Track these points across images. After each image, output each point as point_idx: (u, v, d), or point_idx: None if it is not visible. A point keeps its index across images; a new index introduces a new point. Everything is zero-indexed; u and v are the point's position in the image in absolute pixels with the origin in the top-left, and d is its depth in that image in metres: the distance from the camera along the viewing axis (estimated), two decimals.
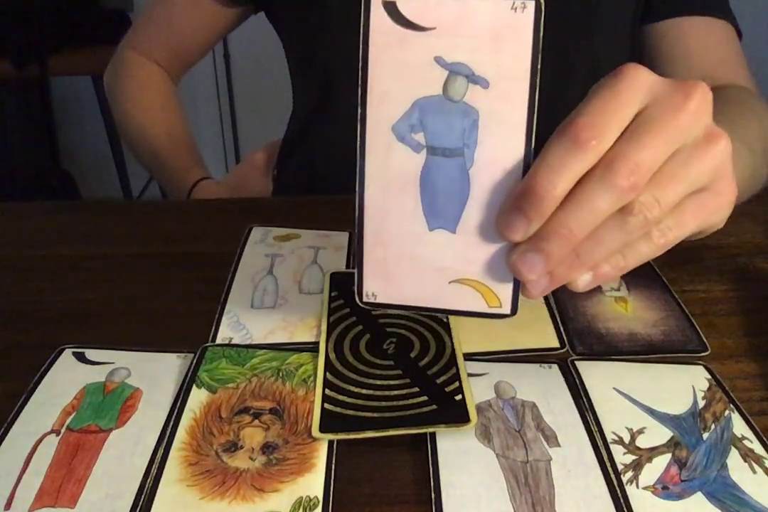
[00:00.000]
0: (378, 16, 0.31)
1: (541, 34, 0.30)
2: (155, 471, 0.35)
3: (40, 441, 0.36)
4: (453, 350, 0.42)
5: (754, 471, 0.36)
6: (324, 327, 0.45)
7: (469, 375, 0.41)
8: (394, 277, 0.35)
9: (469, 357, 0.42)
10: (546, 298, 0.49)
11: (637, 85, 0.31)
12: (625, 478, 0.35)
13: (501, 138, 0.32)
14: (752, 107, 0.59)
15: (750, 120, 0.55)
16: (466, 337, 0.44)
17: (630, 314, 0.48)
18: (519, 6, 0.30)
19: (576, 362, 0.43)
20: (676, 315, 0.47)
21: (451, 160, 0.32)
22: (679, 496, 0.34)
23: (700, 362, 0.43)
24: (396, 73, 0.32)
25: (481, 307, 0.35)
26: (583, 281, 0.33)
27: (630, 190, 0.30)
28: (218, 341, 0.44)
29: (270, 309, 0.47)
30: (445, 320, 0.45)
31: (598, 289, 0.50)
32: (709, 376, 0.42)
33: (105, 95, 0.87)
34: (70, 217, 0.60)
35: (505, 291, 0.34)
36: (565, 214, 0.31)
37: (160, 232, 0.57)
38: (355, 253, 0.35)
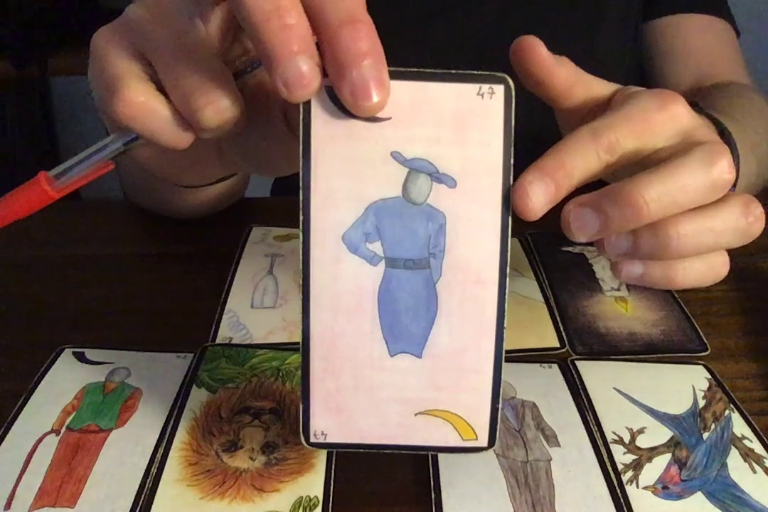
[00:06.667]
0: (320, 102, 0.26)
1: (513, 122, 0.26)
2: (155, 471, 0.35)
3: (40, 441, 0.36)
4: None
5: (754, 471, 0.36)
6: None
7: None
8: (349, 412, 0.29)
9: None
10: (546, 298, 0.49)
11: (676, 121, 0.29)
12: (625, 478, 0.35)
13: (472, 245, 0.27)
14: (752, 99, 0.59)
15: (757, 120, 0.55)
16: None
17: (630, 314, 0.48)
18: (486, 91, 0.26)
19: (576, 362, 0.43)
20: (676, 315, 0.47)
21: (415, 273, 0.27)
22: (679, 496, 0.34)
23: (700, 362, 0.43)
24: (345, 171, 0.26)
25: (455, 441, 0.30)
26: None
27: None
28: (218, 341, 0.44)
29: (270, 309, 0.47)
30: None
31: (598, 289, 0.50)
32: (709, 376, 0.42)
33: None
34: (70, 217, 0.60)
35: (482, 420, 0.29)
36: None
37: (160, 232, 0.57)
38: (301, 384, 0.29)
